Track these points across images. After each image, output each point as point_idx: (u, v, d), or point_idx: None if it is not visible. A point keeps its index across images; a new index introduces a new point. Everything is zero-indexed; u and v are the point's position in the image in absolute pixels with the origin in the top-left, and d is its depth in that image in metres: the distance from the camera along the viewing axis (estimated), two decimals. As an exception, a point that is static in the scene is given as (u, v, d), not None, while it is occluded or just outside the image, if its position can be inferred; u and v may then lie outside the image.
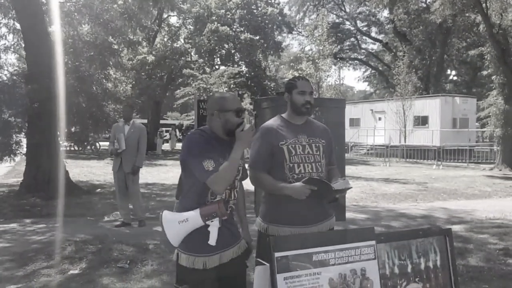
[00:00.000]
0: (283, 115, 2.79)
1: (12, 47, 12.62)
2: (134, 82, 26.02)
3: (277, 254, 1.92)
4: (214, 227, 2.23)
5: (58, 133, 9.97)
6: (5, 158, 10.13)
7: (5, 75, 11.78)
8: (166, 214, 2.26)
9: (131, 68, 25.53)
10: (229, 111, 2.31)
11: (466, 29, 32.43)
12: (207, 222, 2.20)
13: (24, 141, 10.14)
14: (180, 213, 2.25)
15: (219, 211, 2.21)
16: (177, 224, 2.20)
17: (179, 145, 29.88)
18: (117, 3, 13.15)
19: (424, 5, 32.89)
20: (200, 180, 2.20)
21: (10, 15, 11.66)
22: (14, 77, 11.34)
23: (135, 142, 6.58)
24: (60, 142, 10.74)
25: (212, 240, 2.23)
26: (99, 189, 10.66)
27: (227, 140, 2.32)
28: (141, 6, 12.91)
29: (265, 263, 2.03)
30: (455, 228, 6.41)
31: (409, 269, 2.23)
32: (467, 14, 24.38)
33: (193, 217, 2.19)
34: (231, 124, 2.29)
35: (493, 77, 19.57)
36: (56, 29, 11.88)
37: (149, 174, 14.36)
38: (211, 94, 21.02)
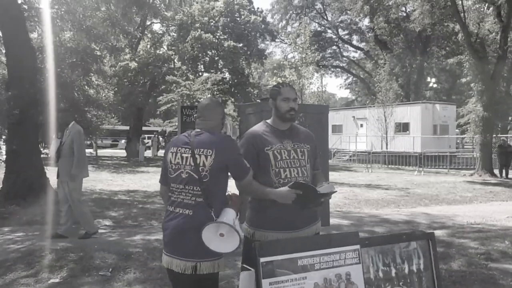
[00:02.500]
0: (268, 120, 2.80)
1: (-8, 52, 12.41)
2: (116, 89, 25.82)
3: (262, 259, 1.92)
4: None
5: (40, 139, 9.81)
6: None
7: (-15, 81, 11.57)
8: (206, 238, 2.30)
9: (114, 75, 25.34)
10: None
11: (445, 38, 33.21)
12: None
13: (3, 148, 9.95)
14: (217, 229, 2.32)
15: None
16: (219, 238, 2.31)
17: (161, 152, 29.68)
18: (100, 10, 13.06)
19: (404, 14, 33.53)
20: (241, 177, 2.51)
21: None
22: (-6, 83, 11.16)
23: (70, 147, 6.10)
24: (41, 149, 10.56)
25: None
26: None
27: None
28: (124, 13, 12.84)
29: (250, 269, 2.02)
30: (437, 233, 6.49)
31: (393, 273, 2.25)
32: (446, 23, 25.00)
33: (227, 227, 2.31)
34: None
35: (472, 84, 20.03)
36: (37, 35, 11.73)
37: (131, 181, 14.22)
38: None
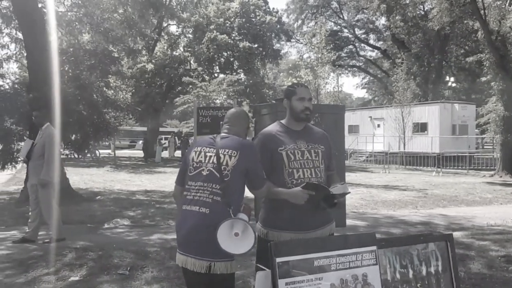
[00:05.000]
0: (282, 121, 2.80)
1: (14, 56, 12.70)
2: (134, 90, 26.10)
3: (278, 260, 1.92)
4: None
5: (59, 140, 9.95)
6: (6, 166, 10.14)
7: (7, 83, 11.87)
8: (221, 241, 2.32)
9: (131, 77, 25.63)
10: None
11: (464, 36, 32.63)
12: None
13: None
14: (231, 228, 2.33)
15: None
16: (233, 239, 2.32)
17: (178, 153, 29.90)
18: (118, 12, 13.24)
19: (422, 12, 33.09)
20: (257, 186, 2.56)
21: (12, 25, 11.74)
22: (16, 86, 11.41)
23: (41, 149, 5.84)
24: (61, 150, 10.75)
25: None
26: (99, 197, 10.66)
27: None
28: (142, 15, 13.01)
29: (265, 269, 2.03)
30: (456, 234, 6.40)
31: (410, 275, 2.24)
32: (465, 21, 24.54)
33: (242, 225, 2.33)
34: None
35: (492, 83, 19.63)
36: (56, 38, 11.95)
37: (148, 181, 14.37)
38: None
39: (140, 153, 29.87)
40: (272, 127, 2.78)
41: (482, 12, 17.65)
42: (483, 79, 29.85)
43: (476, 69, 33.42)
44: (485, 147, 32.59)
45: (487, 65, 19.43)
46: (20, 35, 11.39)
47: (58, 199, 6.15)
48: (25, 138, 7.85)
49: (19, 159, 9.77)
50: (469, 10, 18.74)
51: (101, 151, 22.26)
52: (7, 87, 11.30)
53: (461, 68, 38.66)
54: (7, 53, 12.60)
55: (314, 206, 2.48)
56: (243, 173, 2.49)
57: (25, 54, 11.08)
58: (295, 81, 22.99)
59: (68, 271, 4.73)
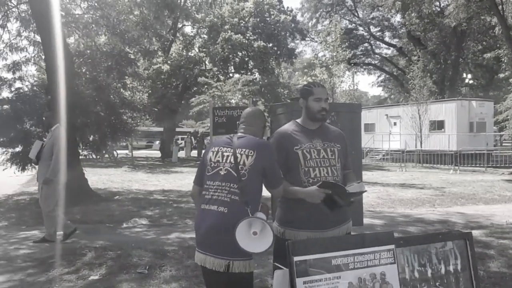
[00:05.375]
0: (298, 120, 2.81)
1: (32, 59, 12.92)
2: (150, 91, 26.34)
3: (296, 258, 1.93)
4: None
5: (77, 141, 10.13)
6: (26, 167, 10.34)
7: (26, 86, 12.06)
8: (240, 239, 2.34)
9: (147, 78, 25.87)
10: None
11: (482, 32, 32.16)
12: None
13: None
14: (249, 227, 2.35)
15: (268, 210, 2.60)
16: (251, 237, 2.34)
17: (194, 153, 30.06)
18: (133, 14, 13.36)
19: (438, 9, 32.67)
20: (274, 185, 2.59)
21: (30, 28, 11.95)
22: (35, 88, 11.61)
23: (50, 150, 5.94)
24: (79, 151, 10.92)
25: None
26: (117, 196, 10.79)
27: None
28: (157, 16, 13.11)
29: (283, 267, 2.05)
30: (475, 233, 6.32)
31: (429, 274, 2.22)
32: (482, 17, 24.17)
33: (260, 224, 2.35)
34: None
35: (511, 80, 19.30)
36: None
37: (165, 181, 14.50)
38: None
39: (157, 153, 30.14)
40: (288, 126, 2.79)
41: (500, 7, 17.36)
42: (501, 75, 29.41)
43: (494, 65, 32.92)
44: (503, 144, 32.04)
45: (505, 61, 19.15)
46: (38, 38, 11.59)
47: (61, 201, 6.16)
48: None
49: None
50: (486, 5, 18.48)
51: (118, 151, 22.51)
52: (26, 89, 11.51)
53: (478, 64, 38.09)
54: (25, 56, 12.81)
55: (330, 205, 2.49)
56: (260, 172, 2.51)
57: (43, 57, 11.27)
58: (311, 80, 22.92)
59: (88, 270, 4.81)
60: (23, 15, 11.80)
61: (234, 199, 2.43)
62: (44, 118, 6.44)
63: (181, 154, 29.47)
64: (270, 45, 33.51)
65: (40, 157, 6.07)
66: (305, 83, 3.33)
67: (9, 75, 12.18)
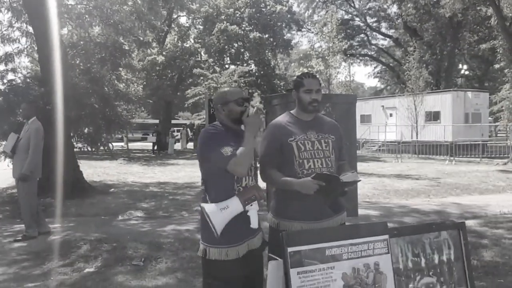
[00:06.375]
0: (292, 111, 2.79)
1: (25, 50, 12.77)
2: (145, 83, 26.20)
3: (290, 249, 1.93)
4: (253, 210, 2.34)
5: (72, 133, 10.06)
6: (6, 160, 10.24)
7: (19, 77, 11.93)
8: (206, 206, 2.28)
9: (142, 69, 25.72)
10: (230, 102, 2.45)
11: (477, 23, 32.13)
12: (246, 207, 2.28)
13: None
14: (219, 202, 2.27)
15: (257, 193, 2.33)
16: (219, 212, 2.24)
17: (190, 145, 30.00)
18: (127, 4, 13.23)
19: (434, 0, 32.58)
20: (221, 167, 2.28)
21: (22, 19, 11.80)
22: (28, 80, 11.50)
23: (26, 144, 5.73)
24: (74, 143, 10.86)
25: (254, 223, 2.36)
26: (112, 189, 10.77)
27: (240, 130, 2.44)
28: (151, 7, 12.97)
29: (278, 258, 2.05)
30: (469, 223, 6.36)
31: (423, 264, 2.23)
32: (478, 7, 24.13)
33: (233, 203, 2.26)
34: (235, 113, 2.44)
35: (506, 70, 19.37)
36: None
37: (161, 174, 14.48)
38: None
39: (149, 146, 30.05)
40: (282, 118, 2.77)
41: (496, -3, 17.34)
42: (497, 66, 29.45)
43: (489, 56, 32.94)
44: (498, 135, 32.18)
45: (500, 52, 19.18)
46: (30, 29, 11.46)
47: (36, 195, 6.05)
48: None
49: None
50: (483, -5, 18.43)
51: (114, 143, 22.42)
52: (19, 81, 11.38)
53: (474, 55, 38.10)
54: (18, 47, 12.64)
55: (325, 195, 2.48)
56: (204, 161, 2.44)
57: (36, 48, 11.16)
58: (306, 71, 22.83)
59: (83, 262, 4.81)
60: (15, 5, 11.65)
61: (202, 188, 2.45)
62: (21, 110, 6.20)
63: (177, 146, 29.40)
64: (266, 36, 33.34)
65: (15, 151, 5.85)
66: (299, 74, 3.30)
67: (1, 67, 12.06)
